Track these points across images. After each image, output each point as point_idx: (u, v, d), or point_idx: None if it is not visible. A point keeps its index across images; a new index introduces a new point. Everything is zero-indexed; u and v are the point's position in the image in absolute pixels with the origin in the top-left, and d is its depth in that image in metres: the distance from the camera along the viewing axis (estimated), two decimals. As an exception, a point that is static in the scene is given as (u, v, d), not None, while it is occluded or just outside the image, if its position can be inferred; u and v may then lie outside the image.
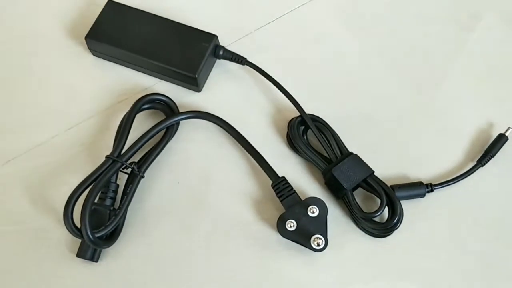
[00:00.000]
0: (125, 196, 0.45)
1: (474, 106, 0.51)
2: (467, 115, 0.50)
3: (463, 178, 0.47)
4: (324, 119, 0.48)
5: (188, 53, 0.49)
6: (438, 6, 0.55)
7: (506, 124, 0.48)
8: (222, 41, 0.52)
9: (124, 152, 0.45)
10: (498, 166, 0.48)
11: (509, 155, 0.48)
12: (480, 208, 0.47)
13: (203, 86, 0.51)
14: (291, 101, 0.48)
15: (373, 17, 0.55)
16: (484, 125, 0.50)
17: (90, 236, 0.42)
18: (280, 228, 0.44)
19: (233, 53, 0.51)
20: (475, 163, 0.47)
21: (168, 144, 0.48)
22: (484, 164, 0.47)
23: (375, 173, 0.46)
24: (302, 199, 0.45)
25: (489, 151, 0.47)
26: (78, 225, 0.42)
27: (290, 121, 0.49)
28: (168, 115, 0.49)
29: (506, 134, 0.48)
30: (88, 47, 0.52)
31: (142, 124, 0.49)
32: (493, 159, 0.47)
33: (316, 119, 0.48)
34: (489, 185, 0.47)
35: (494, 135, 0.48)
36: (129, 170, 0.46)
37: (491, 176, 0.48)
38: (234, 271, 0.45)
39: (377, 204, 0.45)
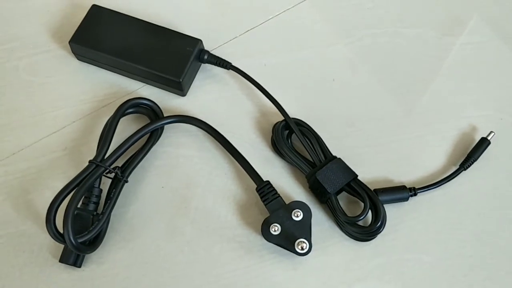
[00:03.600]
0: (109, 201, 0.44)
1: (457, 110, 0.51)
2: (450, 119, 0.51)
3: (446, 182, 0.47)
4: (308, 123, 0.48)
5: (173, 57, 0.49)
6: (421, 11, 0.56)
7: (488, 128, 0.49)
8: (207, 46, 0.52)
9: (108, 157, 0.45)
10: (481, 170, 0.48)
11: (491, 160, 0.48)
12: (462, 212, 0.47)
13: (187, 90, 0.51)
14: (275, 105, 0.48)
15: (357, 22, 0.55)
16: (467, 129, 0.50)
17: (73, 241, 0.41)
18: (265, 232, 0.44)
19: (217, 57, 0.51)
20: (457, 167, 0.48)
21: (152, 148, 0.48)
22: (467, 168, 0.47)
23: (358, 177, 0.46)
24: (287, 203, 0.45)
25: (471, 155, 0.48)
26: (61, 230, 0.42)
27: (275, 125, 0.49)
28: (153, 119, 0.48)
29: (489, 138, 0.48)
30: (72, 52, 0.52)
31: (126, 128, 0.49)
32: (475, 163, 0.48)
33: (300, 123, 0.48)
34: (471, 189, 0.48)
35: (477, 139, 0.49)
36: (112, 175, 0.45)
37: (473, 180, 0.48)
38: (218, 275, 0.45)
39: (360, 208, 0.45)
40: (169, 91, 0.51)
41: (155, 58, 0.49)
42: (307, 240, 0.43)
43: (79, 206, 0.44)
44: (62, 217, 0.41)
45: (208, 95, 0.51)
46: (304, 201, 0.45)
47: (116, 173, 0.45)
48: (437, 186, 0.47)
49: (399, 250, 0.46)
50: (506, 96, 0.52)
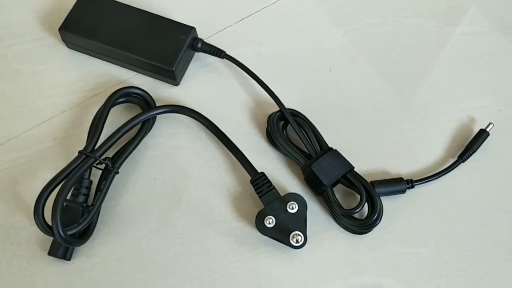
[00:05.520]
0: (99, 193, 0.43)
1: (455, 101, 0.50)
2: (448, 110, 0.50)
3: (444, 174, 0.46)
4: (304, 114, 0.47)
5: (165, 45, 0.48)
6: (421, 0, 0.55)
7: (487, 119, 0.48)
8: (201, 34, 0.51)
9: (98, 147, 0.44)
10: (479, 162, 0.47)
11: (490, 151, 0.48)
12: (461, 205, 0.46)
13: (181, 79, 0.50)
14: (270, 95, 0.47)
15: (354, 11, 0.54)
16: (466, 120, 0.49)
17: (62, 234, 0.40)
18: (259, 224, 0.43)
19: (211, 46, 0.50)
20: (456, 159, 0.47)
21: (144, 139, 0.47)
22: (465, 160, 0.47)
23: (355, 169, 0.45)
24: (281, 195, 0.44)
25: (470, 147, 0.47)
26: (50, 222, 0.41)
27: (270, 116, 0.48)
28: (144, 109, 0.47)
29: (488, 129, 0.47)
30: (62, 40, 0.51)
31: (117, 118, 0.48)
32: (474, 155, 0.47)
33: (296, 114, 0.47)
34: (470, 181, 0.47)
35: (475, 130, 0.48)
36: (103, 166, 0.44)
37: (472, 172, 0.47)
38: (212, 269, 0.44)
39: (357, 200, 0.45)
40: (161, 80, 0.50)
41: (147, 46, 0.48)
42: (302, 233, 0.42)
43: (68, 197, 0.43)
44: (51, 209, 0.40)
45: (202, 84, 0.50)
46: (299, 193, 0.44)
47: (107, 164, 0.44)
48: (435, 178, 0.46)
49: (396, 244, 0.45)
50: (505, 87, 0.51)
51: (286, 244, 0.43)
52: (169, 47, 0.48)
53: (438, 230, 0.45)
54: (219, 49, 0.50)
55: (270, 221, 0.43)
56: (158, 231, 0.45)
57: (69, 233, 0.41)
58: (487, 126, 0.48)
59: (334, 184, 0.45)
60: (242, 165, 0.46)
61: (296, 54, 0.52)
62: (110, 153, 0.45)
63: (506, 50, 0.53)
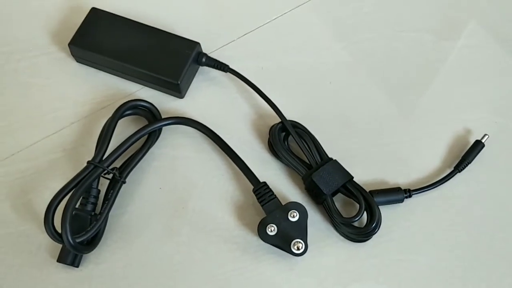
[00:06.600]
0: (106, 202, 0.45)
1: (452, 112, 0.51)
2: (445, 121, 0.51)
3: (441, 184, 0.47)
4: (305, 125, 0.48)
5: (171, 60, 0.50)
6: (419, 14, 0.56)
7: (483, 130, 0.49)
8: (206, 49, 0.52)
9: (106, 158, 0.45)
10: (475, 172, 0.48)
11: (485, 162, 0.49)
12: (457, 213, 0.47)
13: (185, 92, 0.52)
14: (272, 107, 0.49)
15: (355, 25, 0.56)
16: (462, 131, 0.51)
17: (71, 241, 0.41)
18: (261, 232, 0.44)
19: (215, 60, 0.51)
20: (452, 169, 0.48)
21: (150, 150, 0.48)
22: (461, 170, 0.48)
23: (354, 179, 0.46)
24: (283, 204, 0.45)
25: (466, 158, 0.48)
26: (59, 230, 0.42)
27: (271, 127, 0.49)
28: (151, 121, 0.49)
29: (483, 140, 0.49)
30: (71, 54, 0.52)
31: (124, 130, 0.49)
32: (470, 165, 0.48)
33: (296, 125, 0.48)
34: (465, 191, 0.48)
35: (471, 141, 0.49)
36: (110, 176, 0.46)
37: (467, 183, 0.48)
38: (215, 276, 0.45)
39: (356, 209, 0.46)
40: (167, 93, 0.52)
41: (154, 60, 0.50)
42: (303, 241, 0.43)
43: (77, 206, 0.44)
44: (61, 217, 0.41)
45: (206, 97, 0.52)
46: (300, 202, 0.45)
47: (114, 174, 0.45)
48: (432, 188, 0.47)
49: (394, 251, 0.46)
50: (501, 99, 0.52)
51: (288, 252, 0.44)
52: (175, 62, 0.49)
53: (435, 238, 0.46)
54: (222, 63, 0.51)
55: (272, 229, 0.44)
56: (163, 239, 0.46)
57: (77, 240, 0.42)
58: (483, 137, 0.49)
59: (334, 194, 0.46)
60: (245, 174, 0.47)
61: (297, 68, 0.53)
62: (117, 163, 0.47)
63: (502, 63, 0.54)
